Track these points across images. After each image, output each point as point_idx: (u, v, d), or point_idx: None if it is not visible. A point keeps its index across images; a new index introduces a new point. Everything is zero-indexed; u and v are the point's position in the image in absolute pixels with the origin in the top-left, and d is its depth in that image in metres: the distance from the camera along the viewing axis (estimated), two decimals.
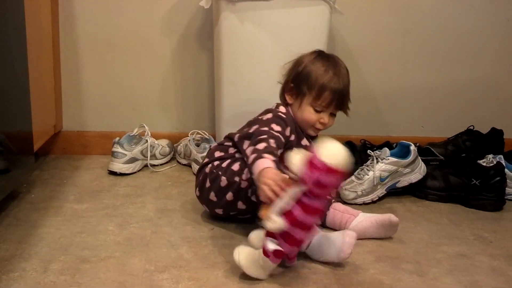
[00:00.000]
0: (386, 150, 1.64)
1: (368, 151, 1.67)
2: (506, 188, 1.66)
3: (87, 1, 1.89)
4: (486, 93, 2.14)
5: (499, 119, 2.09)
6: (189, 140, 1.86)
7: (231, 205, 1.33)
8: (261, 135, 1.23)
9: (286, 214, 1.04)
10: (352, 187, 1.60)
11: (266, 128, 1.26)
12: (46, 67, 1.77)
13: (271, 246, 1.05)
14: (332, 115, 1.38)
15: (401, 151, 1.66)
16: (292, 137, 1.34)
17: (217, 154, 1.38)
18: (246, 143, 1.28)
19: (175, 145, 1.95)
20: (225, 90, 1.75)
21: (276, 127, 1.27)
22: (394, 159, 1.62)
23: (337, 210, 1.38)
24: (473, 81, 2.11)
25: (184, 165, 1.89)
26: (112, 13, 1.90)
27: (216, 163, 1.36)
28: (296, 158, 1.04)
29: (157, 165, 1.87)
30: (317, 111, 1.35)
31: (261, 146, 1.19)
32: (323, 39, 1.73)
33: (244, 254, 1.11)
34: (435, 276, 1.18)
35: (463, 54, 2.09)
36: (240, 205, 1.32)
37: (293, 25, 1.68)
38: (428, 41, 2.06)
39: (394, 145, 1.74)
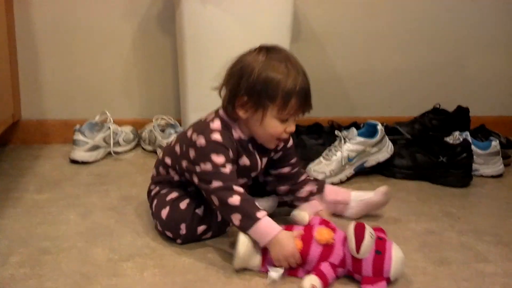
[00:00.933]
0: (353, 130, 1.63)
1: (336, 131, 1.65)
2: (473, 164, 1.67)
3: None
4: (451, 73, 2.15)
5: (464, 98, 2.10)
6: (153, 126, 1.81)
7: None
8: (212, 182, 1.08)
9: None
10: (321, 168, 1.58)
11: (210, 168, 1.09)
12: (1, 55, 1.70)
13: (274, 275, 1.04)
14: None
15: (369, 131, 1.65)
16: (244, 160, 1.19)
17: (161, 170, 1.27)
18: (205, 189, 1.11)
19: (139, 131, 1.90)
20: (189, 74, 1.71)
21: (218, 159, 1.10)
22: (361, 139, 1.61)
23: (328, 202, 1.31)
24: (438, 61, 2.12)
25: (150, 151, 1.84)
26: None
27: (156, 189, 1.25)
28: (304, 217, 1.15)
29: (121, 152, 1.82)
30: (282, 121, 1.13)
31: (235, 200, 1.06)
32: (288, 22, 1.71)
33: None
34: (404, 254, 1.16)
35: (428, 36, 2.09)
36: (201, 230, 1.19)
37: (257, 7, 1.65)
38: (394, 23, 2.05)
39: (362, 125, 1.73)
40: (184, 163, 1.18)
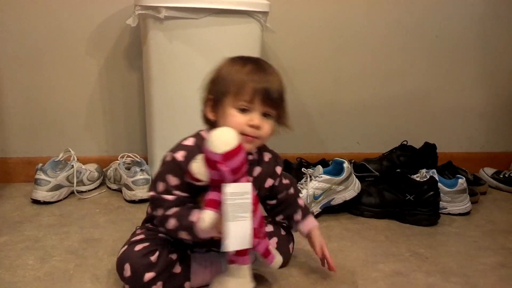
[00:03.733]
0: (319, 168, 1.62)
1: (303, 169, 1.64)
2: (440, 202, 1.67)
3: (6, 18, 1.78)
4: (418, 108, 2.17)
5: (431, 134, 2.12)
6: (118, 164, 1.77)
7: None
8: (157, 210, 1.09)
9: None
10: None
11: (154, 194, 1.10)
12: None
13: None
14: (266, 116, 1.09)
15: (336, 169, 1.64)
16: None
17: (148, 209, 1.21)
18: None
19: (104, 169, 1.86)
20: (156, 110, 1.69)
21: (173, 180, 1.08)
22: (327, 177, 1.60)
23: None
24: (404, 96, 2.14)
25: (115, 190, 1.80)
26: (34, 33, 1.80)
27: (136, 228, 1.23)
28: (197, 166, 1.00)
29: (85, 191, 1.77)
30: (243, 111, 1.07)
31: (171, 224, 1.06)
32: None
33: None
34: None
35: (393, 70, 2.11)
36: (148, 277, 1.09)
37: (223, 42, 1.65)
38: (359, 57, 2.07)
39: (330, 162, 1.72)
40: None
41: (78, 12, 1.82)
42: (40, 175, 1.64)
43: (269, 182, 1.22)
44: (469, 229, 1.61)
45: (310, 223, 1.26)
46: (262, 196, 1.22)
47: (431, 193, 1.63)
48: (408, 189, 1.64)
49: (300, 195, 1.49)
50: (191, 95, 1.65)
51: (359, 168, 1.83)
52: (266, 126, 1.08)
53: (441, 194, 1.67)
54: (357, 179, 1.66)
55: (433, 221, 1.63)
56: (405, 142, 1.97)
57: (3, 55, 1.81)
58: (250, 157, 1.15)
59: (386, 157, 1.95)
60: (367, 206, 1.66)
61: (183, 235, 1.06)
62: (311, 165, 1.76)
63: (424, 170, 1.70)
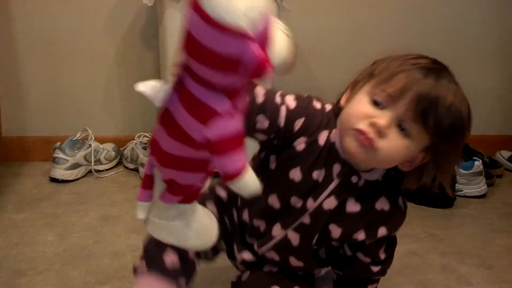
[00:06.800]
0: None
1: None
2: (456, 184, 1.66)
3: (25, 0, 1.79)
4: None
5: None
6: (135, 144, 1.79)
7: None
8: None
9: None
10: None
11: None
12: None
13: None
14: (403, 131, 0.75)
15: None
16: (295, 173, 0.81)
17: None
18: None
19: (121, 149, 1.88)
20: None
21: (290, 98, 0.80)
22: None
23: None
24: None
25: (131, 169, 1.82)
26: (52, 12, 1.81)
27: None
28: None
29: (102, 171, 1.79)
30: (375, 104, 0.76)
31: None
32: None
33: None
34: (387, 276, 1.14)
35: (411, 51, 2.09)
36: None
37: None
38: (376, 38, 2.05)
39: None
40: None
41: None
42: (58, 154, 1.66)
43: (361, 235, 0.85)
44: (485, 211, 1.61)
45: None
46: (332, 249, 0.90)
47: None
48: None
49: None
50: None
51: None
52: (393, 140, 0.74)
53: (457, 176, 1.67)
54: None
55: (448, 203, 1.63)
56: None
57: (22, 35, 1.82)
58: (355, 179, 0.81)
59: None
60: None
61: None
62: None
63: None
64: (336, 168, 0.80)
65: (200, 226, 0.70)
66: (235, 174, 0.57)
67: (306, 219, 0.83)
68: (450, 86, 0.77)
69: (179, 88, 0.58)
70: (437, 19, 2.08)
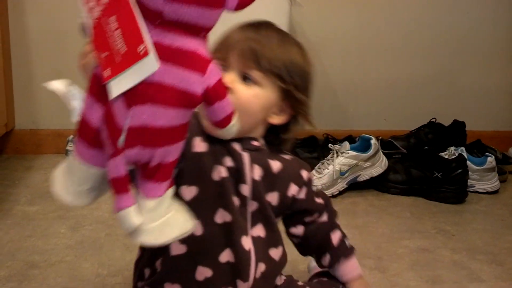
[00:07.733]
0: (346, 144, 1.62)
1: (329, 145, 1.65)
2: (468, 180, 1.66)
3: None
4: (446, 86, 2.14)
5: (459, 112, 2.09)
6: None
7: None
8: None
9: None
10: (313, 181, 1.57)
11: None
12: None
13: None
14: (246, 80, 0.78)
15: (362, 145, 1.64)
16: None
17: None
18: None
19: None
20: None
21: None
22: (354, 153, 1.60)
23: None
24: (433, 74, 2.12)
25: None
26: (64, 7, 1.82)
27: None
28: None
29: None
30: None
31: None
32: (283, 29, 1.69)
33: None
34: (397, 272, 1.15)
35: (424, 48, 2.09)
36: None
37: (251, 17, 1.64)
38: (387, 34, 2.05)
39: (357, 138, 1.72)
40: None
41: None
42: (71, 147, 1.68)
43: (292, 190, 0.85)
44: (497, 208, 1.60)
45: (349, 271, 0.94)
46: (284, 212, 0.88)
47: (460, 170, 1.62)
48: (436, 167, 1.63)
49: (326, 171, 1.47)
50: None
51: (386, 145, 1.82)
52: (244, 91, 0.77)
53: (470, 172, 1.66)
54: (384, 156, 1.66)
55: (460, 198, 1.62)
56: (433, 120, 1.95)
57: (33, 28, 1.84)
58: (255, 143, 0.82)
59: (413, 134, 1.94)
60: (394, 183, 1.66)
61: None
62: (337, 141, 1.76)
63: (452, 148, 1.69)
64: (235, 145, 0.80)
65: (179, 204, 0.67)
66: (231, 115, 0.60)
67: (253, 206, 0.81)
68: (269, 32, 0.82)
69: (162, 54, 0.56)
70: (449, 17, 2.07)
